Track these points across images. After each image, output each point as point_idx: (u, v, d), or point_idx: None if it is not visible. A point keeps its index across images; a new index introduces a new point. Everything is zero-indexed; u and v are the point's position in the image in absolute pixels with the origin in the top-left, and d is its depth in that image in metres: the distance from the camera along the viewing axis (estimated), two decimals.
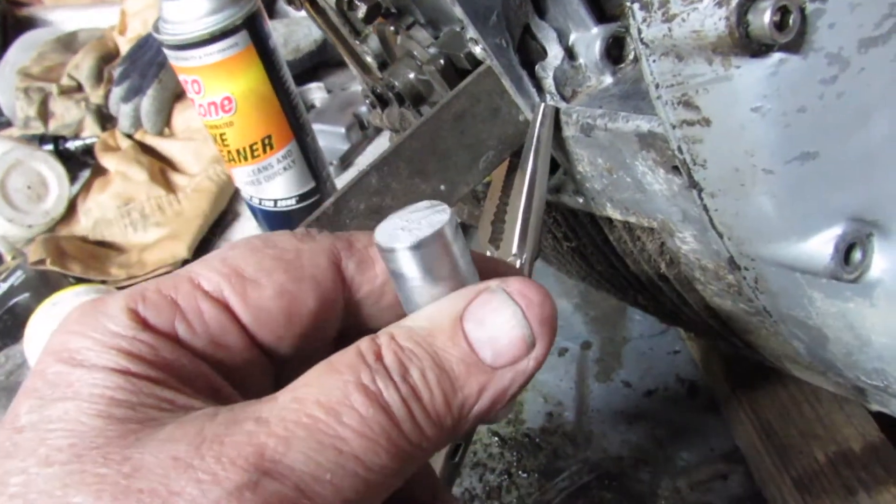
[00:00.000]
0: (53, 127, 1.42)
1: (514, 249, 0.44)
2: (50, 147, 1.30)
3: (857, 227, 0.36)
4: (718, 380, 0.70)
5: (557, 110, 0.45)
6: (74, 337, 0.26)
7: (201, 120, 0.92)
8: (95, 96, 1.40)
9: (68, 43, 1.59)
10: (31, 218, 1.18)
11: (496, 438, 0.75)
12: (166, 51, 0.87)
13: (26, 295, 1.03)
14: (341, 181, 1.15)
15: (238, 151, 0.93)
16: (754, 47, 0.31)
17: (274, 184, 0.96)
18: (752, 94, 0.32)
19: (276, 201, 0.98)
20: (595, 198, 0.48)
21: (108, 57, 1.47)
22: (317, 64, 1.46)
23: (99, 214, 1.20)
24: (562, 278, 0.89)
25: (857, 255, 0.36)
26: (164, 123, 1.31)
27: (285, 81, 0.92)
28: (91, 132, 1.38)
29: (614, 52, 0.46)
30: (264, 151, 0.93)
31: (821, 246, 0.36)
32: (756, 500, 0.64)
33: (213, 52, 0.85)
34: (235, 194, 1.21)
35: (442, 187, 0.48)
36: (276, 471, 0.22)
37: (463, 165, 0.48)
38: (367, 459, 0.24)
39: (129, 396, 0.24)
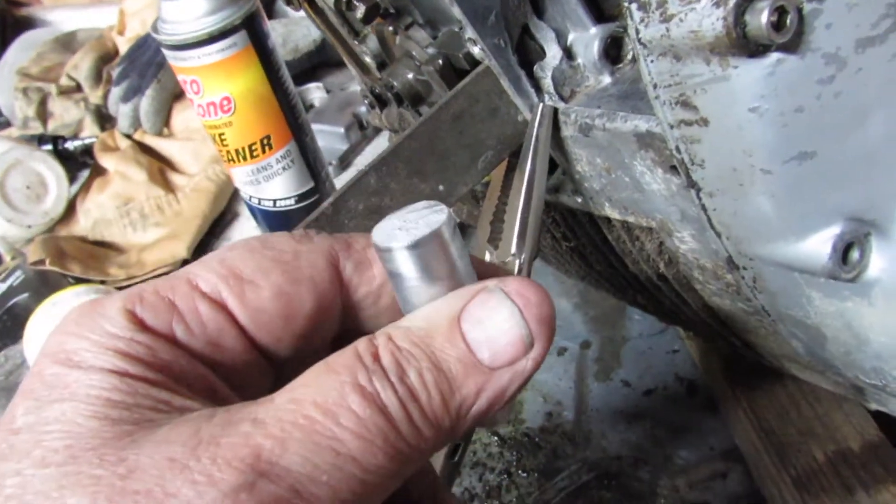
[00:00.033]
0: (52, 127, 1.42)
1: (513, 249, 0.44)
2: (49, 147, 1.30)
3: (855, 226, 0.36)
4: (717, 379, 0.70)
5: (556, 110, 0.45)
6: (71, 338, 0.26)
7: (200, 120, 0.92)
8: (94, 96, 1.40)
9: (67, 43, 1.59)
10: (30, 218, 1.18)
11: (496, 438, 0.75)
12: (165, 51, 0.87)
13: (26, 295, 1.03)
14: (340, 181, 1.15)
15: (237, 151, 0.93)
16: (752, 47, 0.31)
17: (273, 184, 0.96)
18: (749, 94, 0.32)
19: (275, 201, 0.98)
20: (594, 197, 0.48)
21: (106, 57, 1.47)
22: (316, 64, 1.46)
23: (98, 214, 1.20)
24: (561, 278, 0.89)
25: (854, 254, 0.36)
26: (163, 123, 1.31)
27: (284, 81, 0.92)
28: (90, 132, 1.38)
29: (612, 52, 0.46)
30: (263, 151, 0.93)
31: (819, 245, 0.36)
32: (755, 498, 0.64)
33: (212, 53, 0.85)
34: (234, 194, 1.21)
35: (440, 187, 0.48)
36: (272, 472, 0.22)
37: (461, 165, 0.48)
38: (365, 461, 0.24)
39: (125, 398, 0.24)
